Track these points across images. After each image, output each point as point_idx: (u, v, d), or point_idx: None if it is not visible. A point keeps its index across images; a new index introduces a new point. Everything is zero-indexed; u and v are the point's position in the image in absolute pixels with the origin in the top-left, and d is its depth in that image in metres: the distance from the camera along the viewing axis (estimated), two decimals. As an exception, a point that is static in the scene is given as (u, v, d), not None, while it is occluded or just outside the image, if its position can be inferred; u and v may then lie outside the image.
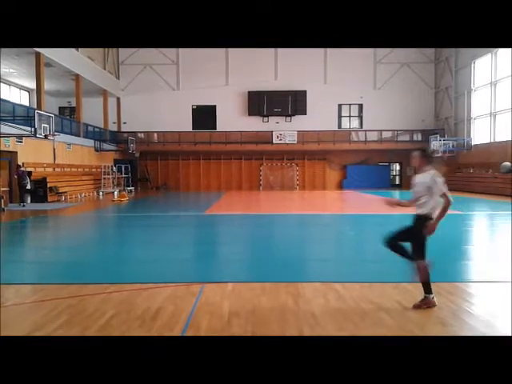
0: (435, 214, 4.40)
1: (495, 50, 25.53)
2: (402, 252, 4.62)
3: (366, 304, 4.60)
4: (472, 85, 28.17)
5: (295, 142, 30.56)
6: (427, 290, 4.55)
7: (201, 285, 5.37)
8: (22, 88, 28.42)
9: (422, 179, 4.50)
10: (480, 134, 27.55)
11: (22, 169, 18.22)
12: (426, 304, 4.49)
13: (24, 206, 17.33)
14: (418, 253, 4.49)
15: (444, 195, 4.39)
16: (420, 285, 5.32)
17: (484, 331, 3.84)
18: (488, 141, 26.39)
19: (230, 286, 5.34)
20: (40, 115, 17.55)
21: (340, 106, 32.88)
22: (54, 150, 19.90)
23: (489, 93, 26.55)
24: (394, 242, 4.61)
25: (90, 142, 26.55)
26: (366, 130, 31.82)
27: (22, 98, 28.39)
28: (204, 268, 6.80)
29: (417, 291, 5.06)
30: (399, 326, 3.99)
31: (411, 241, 4.56)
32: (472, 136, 28.10)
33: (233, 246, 8.85)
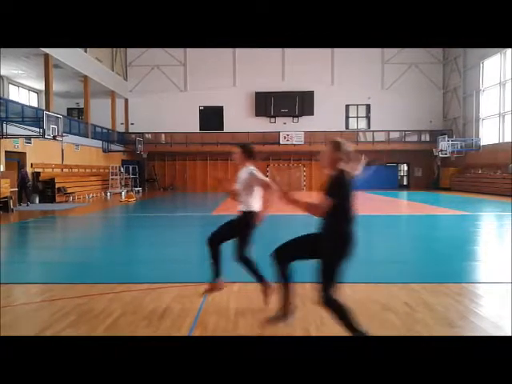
0: (256, 208, 4.39)
1: (504, 50, 25.36)
2: (214, 258, 4.63)
3: (373, 305, 4.58)
4: (480, 85, 28.00)
5: (302, 142, 30.54)
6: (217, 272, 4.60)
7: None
8: (30, 89, 28.64)
9: (242, 175, 4.46)
10: (488, 135, 27.38)
11: (25, 170, 18.39)
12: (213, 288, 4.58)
13: (28, 205, 17.52)
14: (242, 249, 4.45)
15: (261, 181, 4.32)
16: (426, 286, 5.31)
17: (492, 332, 3.81)
18: (497, 141, 26.22)
19: (237, 285, 5.34)
20: (48, 116, 17.69)
21: (347, 106, 32.82)
22: (63, 150, 20.04)
23: (497, 93, 26.38)
24: (216, 242, 4.58)
25: (98, 143, 26.70)
26: (373, 131, 31.73)
27: (30, 100, 28.62)
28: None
29: (424, 292, 5.05)
30: (406, 326, 3.98)
31: (235, 237, 4.51)
32: (480, 136, 27.93)
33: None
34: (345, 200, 3.10)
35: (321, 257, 3.21)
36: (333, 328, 3.95)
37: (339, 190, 3.09)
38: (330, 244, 3.19)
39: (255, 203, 4.44)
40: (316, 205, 3.13)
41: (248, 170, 4.44)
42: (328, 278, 3.19)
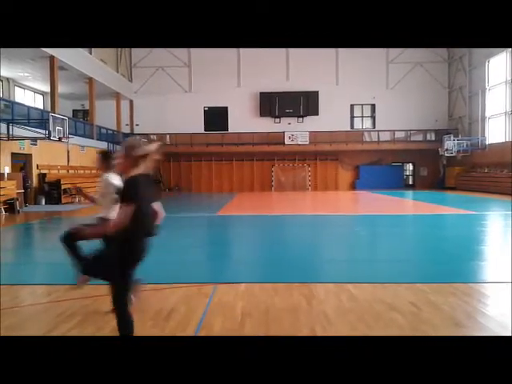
0: (112, 216, 4.04)
1: (510, 48, 25.21)
2: (75, 253, 4.65)
3: (379, 305, 4.57)
4: (486, 84, 27.84)
5: (307, 142, 30.48)
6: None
7: (213, 285, 5.38)
8: (36, 91, 28.77)
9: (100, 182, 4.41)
10: (494, 134, 27.23)
11: (24, 171, 18.50)
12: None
13: (26, 206, 17.62)
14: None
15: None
16: (433, 286, 5.29)
17: (499, 333, 3.79)
18: (503, 140, 26.07)
19: (243, 286, 5.35)
20: (54, 118, 17.77)
21: (352, 106, 32.73)
22: (68, 152, 20.12)
23: (503, 92, 26.23)
24: (72, 240, 4.62)
25: (104, 144, 26.76)
26: (378, 130, 31.63)
27: (36, 102, 28.75)
28: (217, 269, 6.81)
29: (431, 291, 5.03)
30: (412, 326, 3.96)
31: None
32: (486, 135, 27.78)
33: (245, 246, 8.85)
34: (139, 203, 3.00)
35: (112, 260, 3.15)
36: (339, 328, 3.94)
37: (134, 193, 2.99)
38: (121, 248, 3.13)
39: (113, 210, 4.16)
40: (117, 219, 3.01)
41: (103, 177, 4.41)
42: (121, 283, 3.15)
